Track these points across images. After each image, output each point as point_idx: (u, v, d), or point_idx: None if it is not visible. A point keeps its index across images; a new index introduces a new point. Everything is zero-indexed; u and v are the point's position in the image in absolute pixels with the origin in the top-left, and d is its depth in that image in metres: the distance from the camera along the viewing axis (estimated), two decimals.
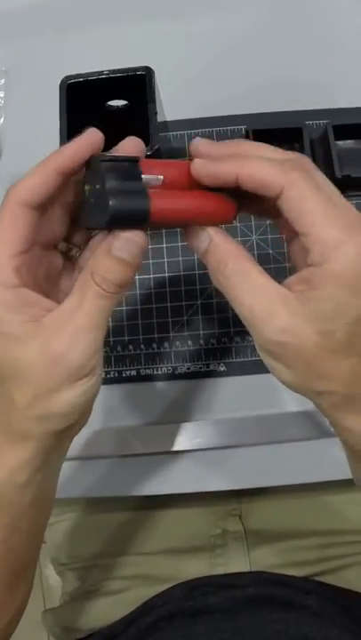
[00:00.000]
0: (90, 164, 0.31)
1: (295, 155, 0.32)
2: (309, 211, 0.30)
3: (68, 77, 0.44)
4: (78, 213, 0.34)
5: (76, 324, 0.31)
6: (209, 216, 0.33)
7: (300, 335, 0.31)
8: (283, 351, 0.32)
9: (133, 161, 0.31)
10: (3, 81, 0.56)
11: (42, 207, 0.32)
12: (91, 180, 0.31)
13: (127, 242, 0.31)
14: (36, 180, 0.31)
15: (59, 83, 0.44)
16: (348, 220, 0.30)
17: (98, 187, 0.30)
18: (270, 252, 0.52)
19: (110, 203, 0.28)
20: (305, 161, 0.32)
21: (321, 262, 0.30)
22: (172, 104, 0.50)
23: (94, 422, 0.50)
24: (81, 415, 0.34)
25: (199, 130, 0.53)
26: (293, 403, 0.50)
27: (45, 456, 0.34)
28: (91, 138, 0.32)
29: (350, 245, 0.30)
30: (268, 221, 0.52)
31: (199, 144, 0.33)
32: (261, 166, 0.31)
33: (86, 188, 0.32)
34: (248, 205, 0.35)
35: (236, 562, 0.57)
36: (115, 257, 0.31)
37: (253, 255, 0.50)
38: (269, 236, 0.52)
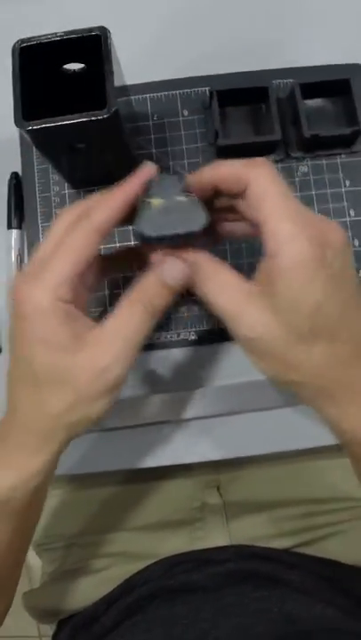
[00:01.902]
0: (154, 181, 0.36)
1: (261, 159, 0.34)
2: (268, 205, 0.32)
3: (20, 41, 0.42)
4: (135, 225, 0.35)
5: (122, 341, 0.34)
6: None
7: (265, 330, 0.33)
8: (254, 346, 0.34)
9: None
10: None
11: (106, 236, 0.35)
12: (160, 194, 0.35)
13: (175, 267, 0.35)
14: (112, 214, 0.35)
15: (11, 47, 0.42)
16: (302, 215, 0.32)
17: (181, 199, 0.35)
18: None
19: (205, 213, 0.34)
20: (269, 163, 0.34)
21: (275, 255, 0.32)
22: (133, 67, 0.48)
23: None
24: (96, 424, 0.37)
25: (162, 93, 0.52)
26: None
27: (57, 461, 0.38)
28: (150, 170, 0.36)
29: (301, 239, 0.32)
30: None
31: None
32: (231, 165, 0.34)
33: (154, 200, 0.35)
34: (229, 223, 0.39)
35: (216, 535, 0.57)
36: (164, 283, 0.35)
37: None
38: None
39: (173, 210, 0.35)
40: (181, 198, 0.35)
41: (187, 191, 0.35)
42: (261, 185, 0.33)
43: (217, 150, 0.50)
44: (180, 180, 0.36)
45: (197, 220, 0.34)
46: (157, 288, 0.35)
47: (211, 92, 0.49)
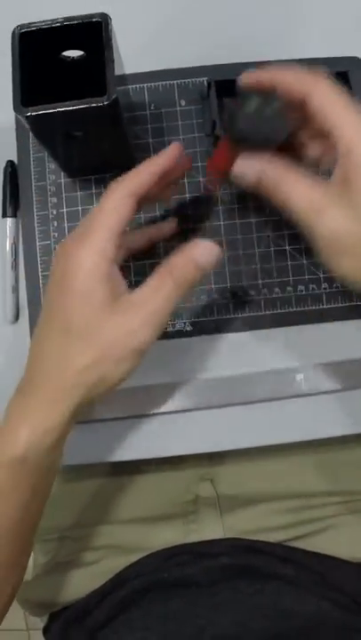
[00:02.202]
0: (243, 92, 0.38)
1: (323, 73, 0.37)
2: (335, 110, 0.34)
3: (20, 26, 0.42)
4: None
5: (151, 308, 0.36)
6: None
7: (347, 228, 0.34)
8: (335, 245, 0.35)
9: None
10: None
11: (141, 202, 0.38)
12: (261, 97, 0.36)
13: (207, 249, 0.38)
14: (145, 178, 0.38)
15: (10, 33, 0.42)
16: None
17: (276, 106, 0.36)
18: (287, 248, 0.50)
19: (287, 125, 0.37)
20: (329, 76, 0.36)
21: (348, 154, 0.34)
22: (131, 57, 0.48)
23: None
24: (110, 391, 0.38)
25: (160, 82, 0.51)
26: (261, 362, 0.49)
27: (73, 423, 0.38)
28: (178, 148, 0.40)
29: None
30: (282, 216, 0.49)
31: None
32: (295, 71, 0.37)
33: (253, 101, 0.36)
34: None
35: (210, 528, 0.57)
36: (194, 260, 0.37)
37: (270, 252, 0.50)
38: (285, 232, 0.50)
39: (266, 115, 0.36)
40: (276, 104, 0.36)
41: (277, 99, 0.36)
42: (326, 93, 0.35)
43: (215, 141, 0.50)
44: (271, 95, 0.37)
45: (283, 129, 0.37)
46: (189, 266, 0.37)
47: (209, 83, 0.49)
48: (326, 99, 0.35)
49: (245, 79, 0.39)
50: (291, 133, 0.38)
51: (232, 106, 0.37)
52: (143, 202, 0.39)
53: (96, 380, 0.37)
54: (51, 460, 0.38)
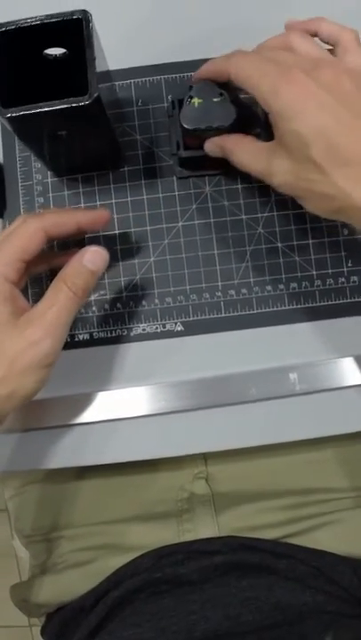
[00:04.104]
0: (195, 87, 0.44)
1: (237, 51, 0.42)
2: (253, 83, 0.38)
3: None
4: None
5: (50, 319, 0.39)
6: None
7: (292, 175, 0.38)
8: (295, 192, 0.39)
9: None
10: None
11: (51, 239, 0.42)
12: (201, 95, 0.43)
13: (96, 254, 0.41)
14: (60, 219, 0.42)
15: None
16: None
17: (216, 100, 0.43)
18: (279, 245, 0.49)
19: (233, 111, 0.43)
20: (241, 50, 0.42)
21: (275, 124, 0.38)
22: (116, 52, 0.47)
23: (50, 390, 0.48)
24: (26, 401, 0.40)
25: (147, 78, 0.50)
26: (254, 361, 0.49)
27: None
28: (102, 217, 0.45)
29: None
30: (274, 213, 0.50)
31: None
32: (213, 61, 0.43)
33: (195, 100, 0.43)
34: None
35: (205, 526, 0.56)
36: (84, 266, 0.41)
37: (261, 249, 0.49)
38: (277, 229, 0.50)
39: (209, 108, 0.43)
40: (216, 99, 0.43)
41: (220, 94, 0.43)
42: (240, 68, 0.39)
43: (178, 160, 0.49)
44: (216, 85, 0.43)
45: (228, 116, 0.42)
46: (81, 273, 0.40)
47: (172, 102, 0.48)
48: (242, 73, 0.39)
49: (191, 80, 0.44)
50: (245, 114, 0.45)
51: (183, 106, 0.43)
52: (53, 239, 0.43)
53: (5, 395, 0.38)
54: None
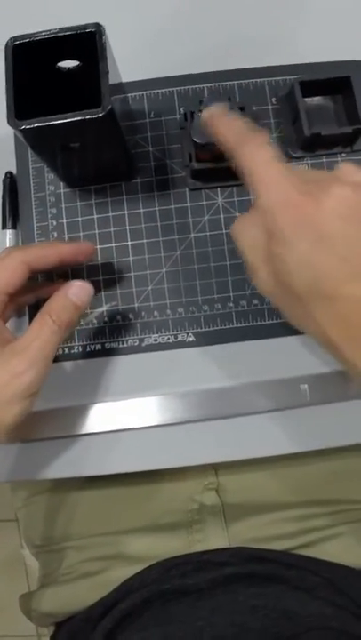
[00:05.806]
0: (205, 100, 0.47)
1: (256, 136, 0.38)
2: (257, 173, 0.36)
3: (13, 38, 0.41)
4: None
5: (34, 350, 0.39)
6: None
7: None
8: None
9: None
10: None
11: (34, 272, 0.43)
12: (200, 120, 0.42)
13: (81, 289, 0.42)
14: (43, 252, 0.43)
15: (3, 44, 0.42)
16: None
17: None
18: None
19: None
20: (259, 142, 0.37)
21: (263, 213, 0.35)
22: (129, 64, 0.47)
23: (60, 400, 0.48)
24: (13, 433, 0.41)
25: (159, 90, 0.51)
26: (265, 372, 0.49)
27: None
28: (86, 250, 0.45)
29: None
30: None
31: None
32: (232, 134, 0.39)
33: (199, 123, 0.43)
34: None
35: (215, 537, 0.56)
36: (69, 300, 0.41)
37: None
38: None
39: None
40: None
41: (230, 108, 0.44)
42: (249, 157, 0.36)
43: (191, 171, 0.49)
44: (226, 100, 0.46)
45: None
46: (66, 307, 0.41)
47: (185, 114, 0.49)
48: (249, 161, 0.36)
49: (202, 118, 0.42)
50: None
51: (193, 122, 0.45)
52: (37, 272, 0.44)
53: None
54: None
